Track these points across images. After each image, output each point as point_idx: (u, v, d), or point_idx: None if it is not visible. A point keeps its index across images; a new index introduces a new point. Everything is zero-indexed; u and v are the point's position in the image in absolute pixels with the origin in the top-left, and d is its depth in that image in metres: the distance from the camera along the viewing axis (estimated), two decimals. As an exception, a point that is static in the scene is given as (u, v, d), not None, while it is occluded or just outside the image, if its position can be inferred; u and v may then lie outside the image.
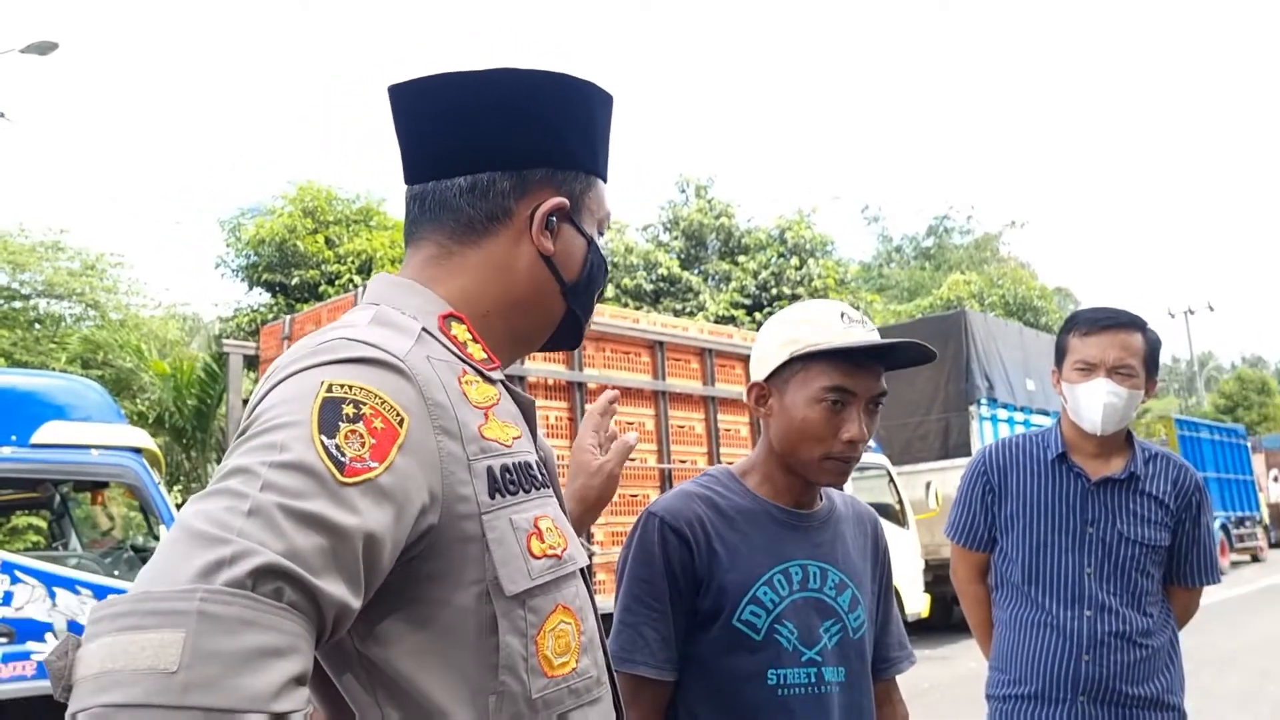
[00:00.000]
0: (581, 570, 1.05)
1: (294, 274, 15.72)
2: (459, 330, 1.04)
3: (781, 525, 1.61)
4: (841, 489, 1.69)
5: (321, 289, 15.13)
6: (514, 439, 1.00)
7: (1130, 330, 2.32)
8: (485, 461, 0.94)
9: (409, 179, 1.12)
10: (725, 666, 1.52)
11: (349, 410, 0.84)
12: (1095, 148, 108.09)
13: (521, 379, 6.69)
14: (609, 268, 1.24)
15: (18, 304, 17.17)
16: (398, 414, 0.87)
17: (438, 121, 1.09)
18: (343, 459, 0.82)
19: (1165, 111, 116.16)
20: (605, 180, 1.17)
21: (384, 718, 0.90)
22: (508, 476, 0.96)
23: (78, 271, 17.52)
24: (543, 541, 0.97)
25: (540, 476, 1.02)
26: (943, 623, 11.02)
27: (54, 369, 13.17)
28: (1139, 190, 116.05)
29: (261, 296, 16.66)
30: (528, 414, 1.08)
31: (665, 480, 7.49)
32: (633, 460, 7.35)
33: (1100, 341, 2.30)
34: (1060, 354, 2.41)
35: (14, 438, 5.42)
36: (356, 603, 0.81)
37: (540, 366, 6.89)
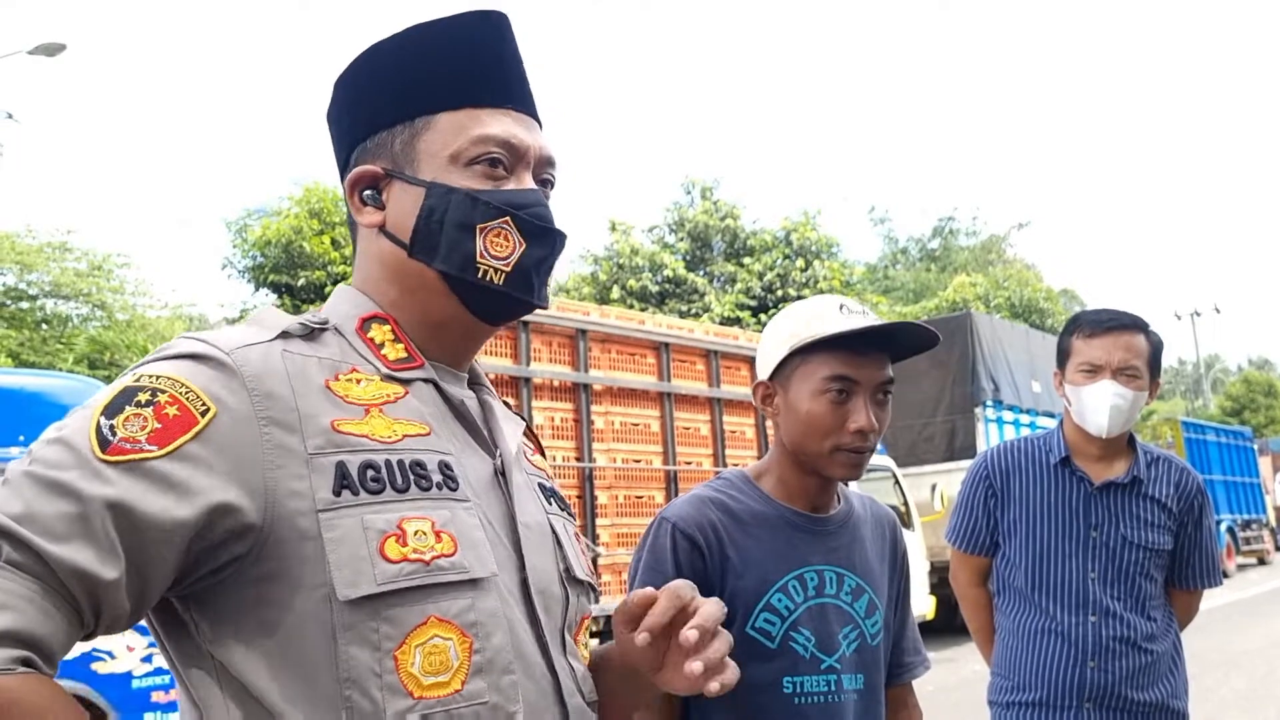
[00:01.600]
0: (525, 585, 0.96)
1: (300, 275, 15.77)
2: (378, 332, 1.00)
3: (797, 529, 1.58)
4: (859, 479, 1.62)
5: (327, 289, 15.16)
6: (406, 436, 0.93)
7: (1134, 332, 2.31)
8: (334, 457, 0.88)
9: None
10: (740, 675, 1.50)
11: (142, 397, 0.84)
12: (1101, 149, 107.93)
13: (527, 380, 6.69)
14: (487, 201, 1.00)
15: (25, 304, 17.23)
16: (203, 404, 0.84)
17: (332, 140, 1.12)
18: (110, 438, 0.81)
19: (1171, 113, 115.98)
20: (466, 105, 1.02)
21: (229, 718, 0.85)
22: (369, 473, 0.88)
23: (85, 272, 17.57)
24: (403, 545, 0.87)
25: (440, 477, 0.93)
26: (947, 625, 10.99)
27: (61, 369, 13.21)
28: (1145, 192, 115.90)
29: (267, 297, 16.70)
30: (460, 414, 1.02)
31: (670, 482, 7.49)
32: (638, 462, 7.36)
33: (1105, 343, 2.29)
34: (1063, 356, 2.40)
35: (21, 438, 5.43)
36: (109, 574, 0.78)
37: (545, 368, 6.89)
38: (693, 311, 18.88)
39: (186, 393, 0.84)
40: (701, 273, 20.82)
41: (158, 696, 5.42)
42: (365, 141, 1.04)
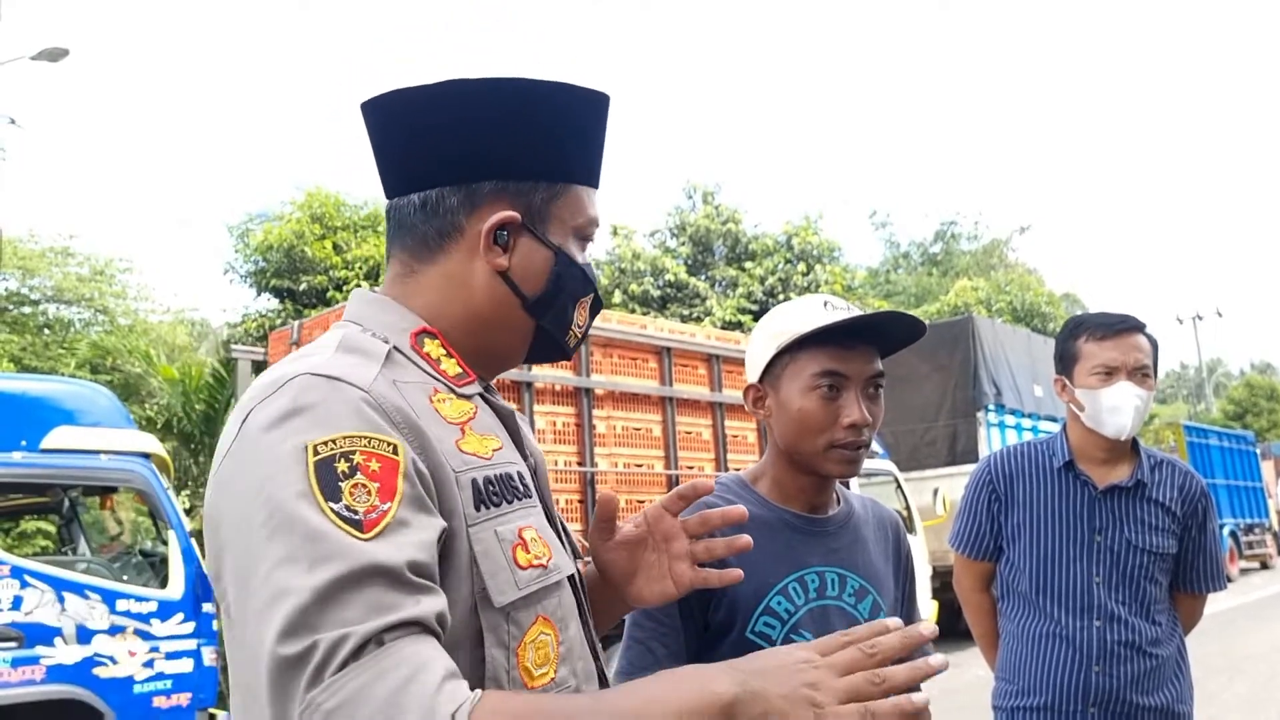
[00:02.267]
0: (572, 578, 1.05)
1: (302, 279, 15.75)
2: (432, 346, 1.04)
3: (796, 531, 1.57)
4: (855, 475, 1.61)
5: (329, 294, 15.16)
6: (494, 450, 1.00)
7: (1141, 333, 2.33)
8: (469, 474, 0.95)
9: (386, 194, 1.12)
10: None
11: (343, 467, 0.85)
12: (1103, 153, 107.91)
13: (529, 384, 6.69)
14: (588, 277, 1.16)
15: (27, 309, 17.24)
16: (388, 444, 0.88)
17: (396, 137, 1.09)
18: (356, 517, 0.83)
19: (1173, 117, 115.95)
20: (590, 184, 1.12)
21: None
22: (490, 488, 0.96)
23: (87, 277, 17.58)
24: (528, 552, 0.97)
25: (523, 486, 1.01)
26: (950, 629, 10.94)
27: (63, 374, 13.22)
28: (1147, 195, 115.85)
29: (269, 302, 16.70)
30: (509, 423, 1.08)
31: (672, 486, 7.47)
32: (639, 466, 7.36)
33: (1120, 345, 2.30)
34: (1068, 361, 2.38)
35: (24, 443, 5.44)
36: (443, 605, 0.85)
37: (547, 372, 6.89)
38: (694, 316, 18.87)
39: (369, 442, 0.87)
40: (703, 277, 20.81)
41: (159, 702, 5.42)
42: (505, 180, 1.06)
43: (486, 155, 1.06)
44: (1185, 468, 2.44)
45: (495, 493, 0.96)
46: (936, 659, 0.85)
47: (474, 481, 0.95)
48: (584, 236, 1.12)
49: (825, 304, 1.54)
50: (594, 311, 1.16)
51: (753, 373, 1.61)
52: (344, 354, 0.96)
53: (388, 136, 1.09)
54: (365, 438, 0.87)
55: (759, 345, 1.59)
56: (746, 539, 1.23)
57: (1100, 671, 2.29)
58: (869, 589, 1.59)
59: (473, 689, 0.85)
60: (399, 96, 1.07)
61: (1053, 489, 2.39)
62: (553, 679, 0.97)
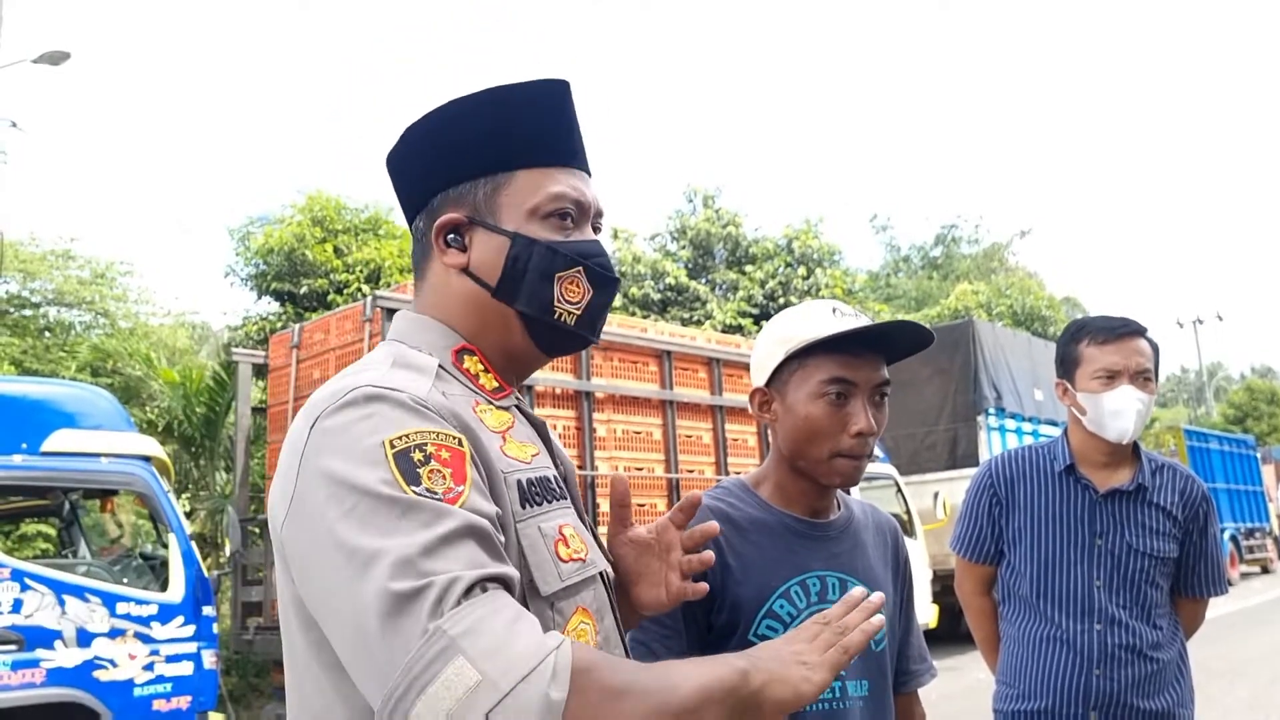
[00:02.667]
0: (603, 575, 1.14)
1: (303, 283, 15.74)
2: (471, 363, 1.13)
3: (798, 536, 1.57)
4: (856, 485, 1.63)
5: (330, 298, 15.15)
6: (533, 456, 1.10)
7: (1142, 337, 2.33)
8: (515, 475, 1.04)
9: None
10: None
11: (418, 455, 0.93)
12: (1103, 157, 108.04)
13: (529, 388, 6.69)
14: (563, 251, 1.14)
15: (28, 312, 17.24)
16: (454, 437, 0.97)
17: (394, 184, 1.22)
18: (437, 496, 0.91)
19: (1173, 121, 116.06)
20: (541, 164, 1.15)
21: None
22: (533, 489, 1.05)
23: (88, 280, 17.58)
24: (568, 547, 1.06)
25: (559, 488, 1.11)
26: (950, 633, 10.97)
27: (64, 377, 13.21)
28: (1147, 199, 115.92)
29: (270, 305, 16.69)
30: (541, 433, 1.18)
31: (673, 490, 7.48)
32: (640, 470, 7.35)
33: (1122, 349, 2.30)
34: (1070, 364, 2.39)
35: (24, 445, 5.44)
36: (515, 571, 0.92)
37: (548, 376, 6.89)
38: (695, 319, 18.87)
39: (438, 436, 0.96)
40: (703, 280, 20.81)
41: (159, 705, 5.42)
42: (447, 190, 1.15)
43: (432, 175, 1.16)
44: (1186, 472, 2.44)
45: (537, 493, 1.06)
46: (876, 596, 1.09)
47: (519, 482, 1.04)
48: (552, 213, 1.14)
49: (834, 310, 1.55)
50: (595, 284, 1.16)
51: (759, 377, 1.61)
52: (399, 370, 1.04)
53: (392, 176, 1.23)
54: (434, 432, 0.95)
55: (766, 349, 1.59)
56: (709, 554, 1.30)
57: (1101, 675, 2.29)
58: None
59: None
60: (393, 151, 1.21)
61: (1054, 492, 2.39)
62: None
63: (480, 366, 1.13)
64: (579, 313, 1.15)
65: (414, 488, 0.90)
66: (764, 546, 1.55)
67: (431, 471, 0.92)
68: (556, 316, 1.13)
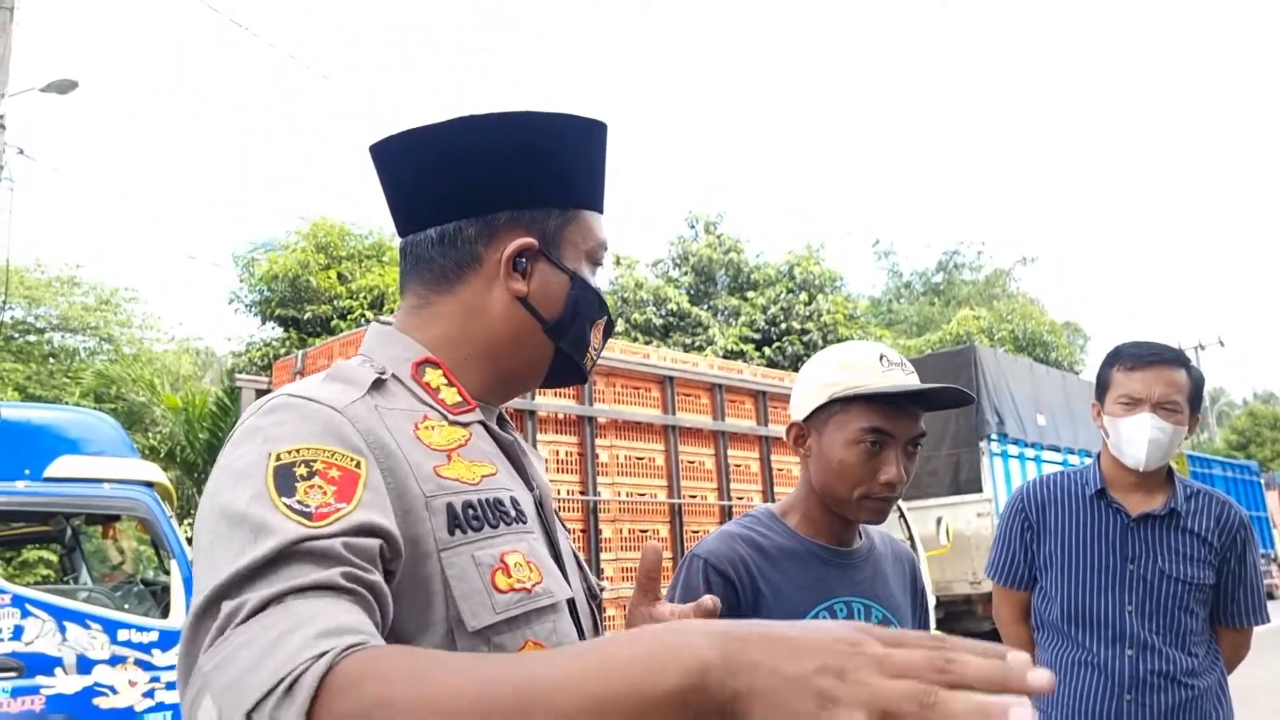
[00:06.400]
0: (572, 604, 1.05)
1: (306, 309, 15.82)
2: (433, 376, 1.07)
3: (824, 563, 1.63)
4: (881, 523, 1.67)
5: (334, 324, 15.21)
6: (484, 476, 1.01)
7: (1175, 367, 2.30)
8: (444, 499, 0.95)
9: (398, 232, 1.16)
10: None
11: (301, 471, 0.86)
12: (1106, 183, 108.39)
13: (532, 414, 6.70)
14: (601, 299, 1.16)
15: (33, 338, 17.31)
16: (353, 459, 0.89)
17: (408, 176, 1.12)
18: (307, 509, 0.82)
19: (1177, 146, 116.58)
20: (597, 209, 1.16)
21: None
22: (470, 512, 0.97)
23: (92, 306, 17.68)
24: (509, 576, 0.97)
25: (515, 513, 1.02)
26: (955, 661, 10.91)
27: (68, 403, 13.24)
28: (1149, 225, 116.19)
29: (274, 331, 16.75)
30: (509, 452, 1.10)
31: (675, 515, 7.47)
32: (642, 495, 7.35)
33: (1146, 377, 2.28)
34: (1102, 388, 2.38)
35: (27, 471, 5.45)
36: (383, 581, 0.83)
37: (550, 401, 6.90)
38: (697, 345, 18.91)
39: (333, 455, 0.89)
40: (706, 306, 20.87)
41: (159, 732, 5.39)
42: (521, 211, 1.10)
43: (500, 186, 1.09)
44: (1223, 498, 2.41)
45: (476, 517, 0.97)
46: (1043, 674, 0.57)
47: (450, 506, 0.95)
48: (595, 260, 1.16)
49: (881, 357, 1.59)
50: (607, 334, 1.19)
51: (798, 412, 1.65)
52: (329, 381, 1.00)
53: (399, 176, 1.13)
54: (331, 451, 0.89)
55: (809, 389, 1.63)
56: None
57: (1132, 700, 2.26)
58: (891, 619, 1.64)
59: None
60: (408, 137, 1.11)
61: (1085, 517, 2.38)
62: None
63: (443, 380, 1.07)
64: (595, 357, 1.18)
65: (284, 499, 0.82)
66: (792, 574, 1.60)
67: (311, 487, 0.85)
68: (584, 360, 1.16)
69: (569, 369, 1.16)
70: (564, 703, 0.60)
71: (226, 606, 0.74)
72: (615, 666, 0.61)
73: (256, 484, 0.84)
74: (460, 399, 1.07)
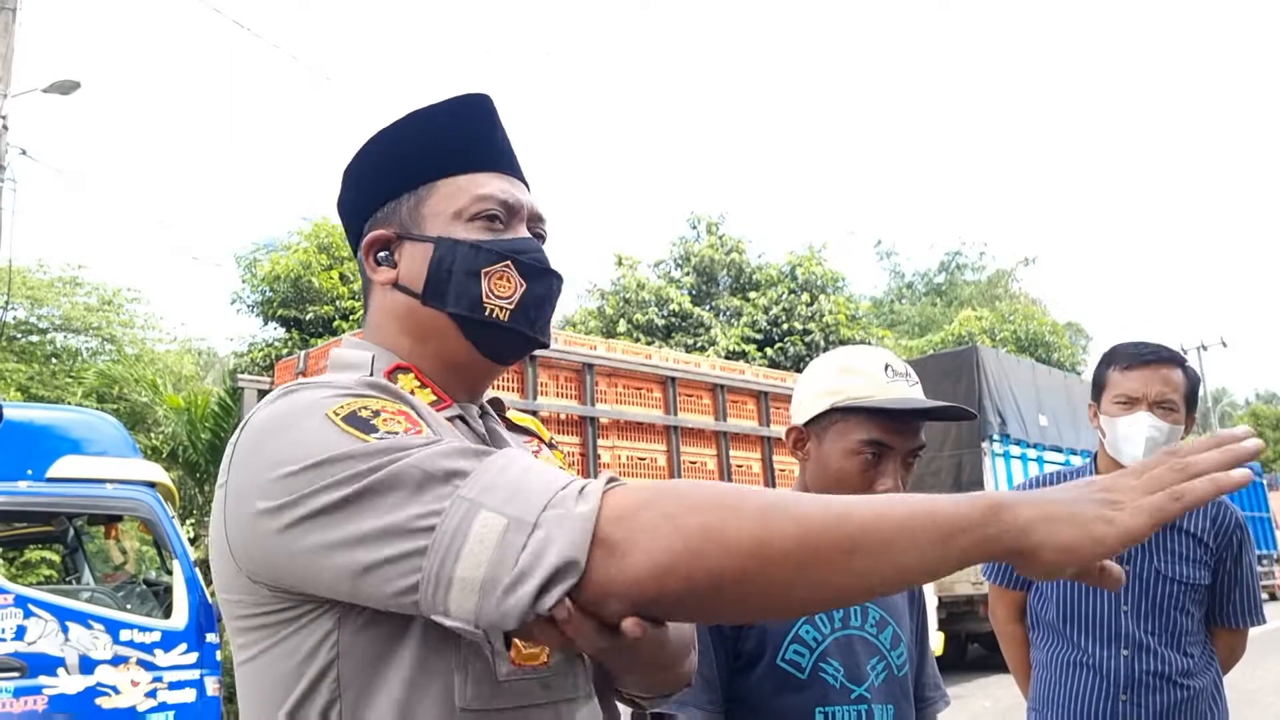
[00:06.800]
0: None
1: (308, 309, 15.81)
2: (405, 380, 1.09)
3: None
4: None
5: (336, 324, 15.22)
6: None
7: (1171, 366, 2.31)
8: None
9: None
10: (773, 707, 1.52)
11: (366, 414, 0.91)
12: (1109, 183, 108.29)
13: (534, 413, 6.71)
14: (488, 248, 1.09)
15: (35, 338, 17.32)
16: (396, 405, 0.96)
17: (341, 220, 1.23)
18: (398, 430, 0.89)
19: (1179, 146, 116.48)
20: (472, 170, 1.13)
21: None
22: None
23: (95, 306, 17.68)
24: None
25: None
26: (957, 661, 10.93)
27: (70, 403, 13.25)
28: (1151, 225, 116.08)
29: (276, 331, 16.75)
30: (490, 441, 1.12)
31: (676, 516, 7.47)
32: (644, 496, 7.35)
33: (1143, 376, 2.29)
34: (1098, 388, 2.39)
35: (30, 471, 5.45)
36: None
37: (553, 402, 6.91)
38: (699, 345, 18.90)
39: (379, 401, 0.95)
40: (707, 307, 20.85)
41: (162, 732, 5.40)
42: (375, 213, 1.15)
43: (360, 205, 1.17)
44: (1220, 498, 2.42)
45: None
46: (1253, 442, 0.78)
47: None
48: (478, 215, 1.11)
49: (886, 367, 1.58)
50: (528, 277, 1.10)
51: (798, 416, 1.65)
52: (333, 372, 1.08)
53: (344, 228, 1.24)
54: (376, 398, 0.95)
55: (811, 396, 1.62)
56: None
57: (1127, 700, 2.27)
58: (889, 620, 1.64)
59: (462, 662, 0.93)
60: (338, 199, 1.22)
61: None
62: (545, 662, 0.99)
63: (416, 383, 1.09)
64: (511, 307, 1.09)
65: (373, 435, 0.87)
66: None
67: (385, 420, 0.90)
68: (488, 313, 1.08)
69: (489, 331, 1.09)
70: (878, 530, 0.76)
71: (432, 469, 0.84)
72: (918, 502, 0.78)
73: (334, 434, 0.88)
74: (436, 398, 1.09)
